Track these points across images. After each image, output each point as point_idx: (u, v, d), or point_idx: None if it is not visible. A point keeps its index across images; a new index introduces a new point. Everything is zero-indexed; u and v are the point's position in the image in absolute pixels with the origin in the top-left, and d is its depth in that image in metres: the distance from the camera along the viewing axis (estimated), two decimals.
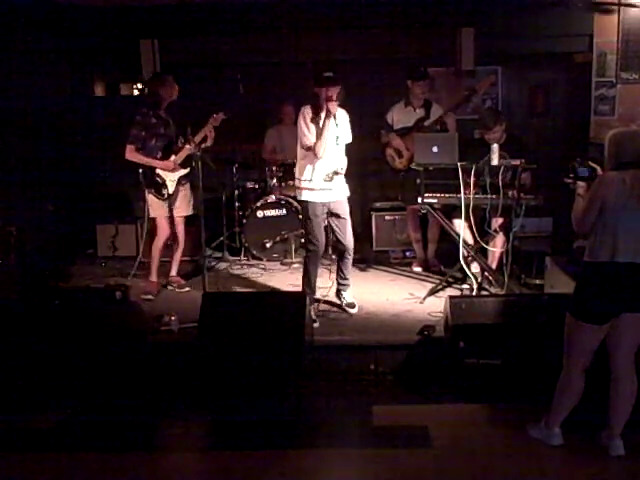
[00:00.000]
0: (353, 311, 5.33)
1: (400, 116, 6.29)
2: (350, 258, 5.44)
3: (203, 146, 5.59)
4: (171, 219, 5.87)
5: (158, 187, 5.76)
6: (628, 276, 3.36)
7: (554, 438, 3.64)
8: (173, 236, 5.97)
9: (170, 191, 5.78)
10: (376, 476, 3.58)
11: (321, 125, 4.93)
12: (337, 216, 5.25)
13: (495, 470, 3.53)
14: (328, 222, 5.33)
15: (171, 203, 5.81)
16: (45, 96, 6.80)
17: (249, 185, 7.07)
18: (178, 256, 6.02)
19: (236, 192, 7.00)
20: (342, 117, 5.12)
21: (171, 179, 5.76)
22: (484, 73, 7.05)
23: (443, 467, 3.57)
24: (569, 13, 6.73)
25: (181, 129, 5.73)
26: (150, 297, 5.74)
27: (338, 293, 5.50)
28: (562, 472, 3.58)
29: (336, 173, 5.10)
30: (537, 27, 6.84)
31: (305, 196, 5.14)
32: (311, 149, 5.00)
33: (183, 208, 5.91)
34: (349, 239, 5.33)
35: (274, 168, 6.81)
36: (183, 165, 5.77)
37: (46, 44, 6.77)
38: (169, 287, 5.97)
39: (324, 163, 5.08)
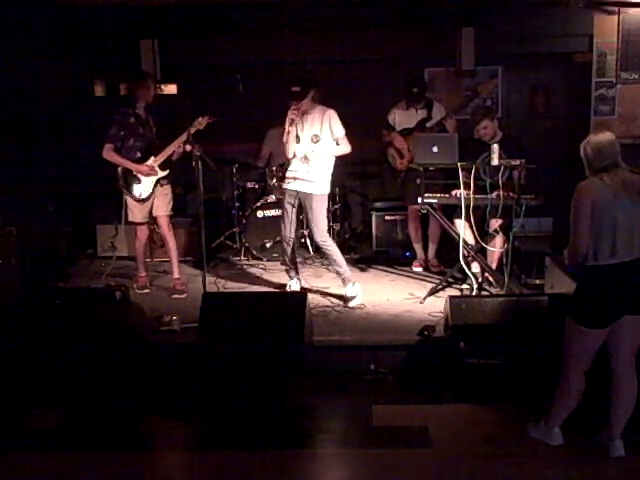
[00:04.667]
0: (352, 303, 5.43)
1: (402, 118, 6.28)
2: (329, 254, 5.48)
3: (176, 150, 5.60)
4: (153, 221, 5.88)
5: (134, 188, 5.71)
6: (627, 276, 3.36)
7: (554, 438, 3.65)
8: (161, 238, 5.95)
9: (146, 194, 5.71)
10: (376, 476, 3.58)
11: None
12: (304, 207, 5.52)
13: (495, 470, 3.53)
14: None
15: (151, 205, 5.76)
16: (45, 96, 6.79)
17: (249, 185, 7.07)
18: (175, 258, 5.91)
19: (236, 192, 7.00)
20: (321, 117, 5.35)
21: (148, 180, 5.70)
22: (484, 73, 7.06)
23: (443, 467, 3.57)
24: (569, 13, 6.74)
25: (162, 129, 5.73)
26: (147, 291, 5.85)
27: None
28: (562, 472, 3.58)
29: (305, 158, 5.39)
30: (537, 27, 6.84)
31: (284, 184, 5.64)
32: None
33: (162, 208, 5.81)
34: (314, 230, 5.47)
35: (274, 168, 6.80)
36: (163, 167, 5.73)
37: (46, 44, 6.77)
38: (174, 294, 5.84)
39: (295, 160, 5.47)
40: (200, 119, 5.52)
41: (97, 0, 6.64)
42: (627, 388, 3.50)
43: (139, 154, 5.69)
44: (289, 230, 5.56)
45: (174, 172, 6.26)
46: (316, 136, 5.37)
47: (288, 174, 5.53)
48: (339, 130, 5.35)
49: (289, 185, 5.51)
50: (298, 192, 5.47)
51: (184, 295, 5.78)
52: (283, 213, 5.61)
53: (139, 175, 5.69)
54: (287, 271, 5.81)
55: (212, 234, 6.83)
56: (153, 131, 5.77)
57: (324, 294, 5.72)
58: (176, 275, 5.93)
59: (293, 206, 5.51)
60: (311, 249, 6.71)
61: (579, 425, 3.69)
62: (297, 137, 5.40)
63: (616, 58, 6.62)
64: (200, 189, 5.28)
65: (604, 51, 6.71)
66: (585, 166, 3.47)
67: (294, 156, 5.45)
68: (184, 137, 5.53)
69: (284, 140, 5.48)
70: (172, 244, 5.91)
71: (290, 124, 5.38)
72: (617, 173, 3.36)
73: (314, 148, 5.37)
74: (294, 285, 5.73)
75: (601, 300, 3.41)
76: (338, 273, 5.55)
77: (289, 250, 5.65)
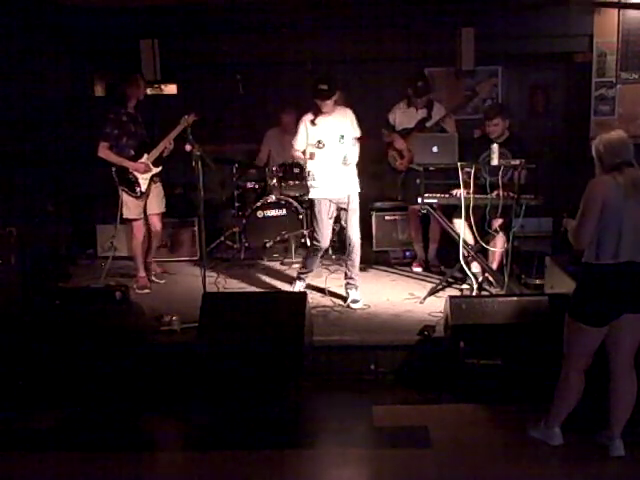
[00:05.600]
0: (355, 306, 5.39)
1: (402, 117, 6.29)
2: (355, 255, 5.44)
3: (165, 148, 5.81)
4: (145, 217, 5.99)
5: (131, 185, 5.81)
6: (628, 275, 3.36)
7: (554, 438, 3.65)
8: (149, 230, 6.10)
9: (143, 189, 5.84)
10: (376, 476, 3.59)
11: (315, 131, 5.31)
12: (344, 210, 5.41)
13: (495, 470, 3.53)
14: (338, 217, 5.61)
15: (145, 201, 5.90)
16: (45, 96, 6.79)
17: (249, 185, 7.07)
18: (154, 243, 6.17)
19: (236, 192, 7.01)
20: (343, 116, 5.33)
21: (144, 177, 5.83)
22: (484, 73, 7.05)
23: (443, 467, 3.57)
24: (569, 13, 6.73)
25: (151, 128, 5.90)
26: (147, 291, 5.93)
27: (346, 289, 5.56)
28: (562, 472, 3.58)
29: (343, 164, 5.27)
30: (537, 27, 6.84)
31: (312, 194, 5.42)
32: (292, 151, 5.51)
33: (156, 205, 6.00)
34: (355, 230, 5.39)
35: (274, 168, 6.80)
36: (156, 163, 5.85)
37: (46, 44, 6.77)
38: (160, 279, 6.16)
39: (327, 162, 5.28)
40: (186, 117, 5.65)
41: (97, 0, 6.64)
42: (627, 388, 3.50)
43: (132, 152, 5.80)
44: (327, 241, 5.48)
45: (174, 172, 6.30)
46: (342, 137, 5.30)
47: (324, 183, 5.32)
48: (358, 130, 5.39)
49: (326, 194, 5.34)
50: (337, 199, 5.34)
51: (163, 280, 6.17)
52: (320, 224, 5.38)
53: (135, 172, 5.78)
54: (300, 275, 5.70)
55: (212, 234, 6.83)
56: (144, 129, 5.88)
57: (324, 294, 5.71)
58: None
59: (331, 216, 5.43)
60: None
61: (579, 425, 3.69)
62: (319, 142, 5.26)
63: (616, 58, 6.62)
64: (200, 189, 5.28)
65: (604, 51, 6.71)
66: (596, 165, 3.46)
67: (325, 164, 5.31)
68: (173, 134, 5.73)
69: (309, 155, 5.33)
70: (158, 240, 6.22)
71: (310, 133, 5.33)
72: (629, 172, 3.35)
73: (341, 149, 5.27)
74: (300, 286, 5.68)
75: (601, 298, 3.41)
76: (351, 277, 5.48)
77: (317, 260, 5.65)
